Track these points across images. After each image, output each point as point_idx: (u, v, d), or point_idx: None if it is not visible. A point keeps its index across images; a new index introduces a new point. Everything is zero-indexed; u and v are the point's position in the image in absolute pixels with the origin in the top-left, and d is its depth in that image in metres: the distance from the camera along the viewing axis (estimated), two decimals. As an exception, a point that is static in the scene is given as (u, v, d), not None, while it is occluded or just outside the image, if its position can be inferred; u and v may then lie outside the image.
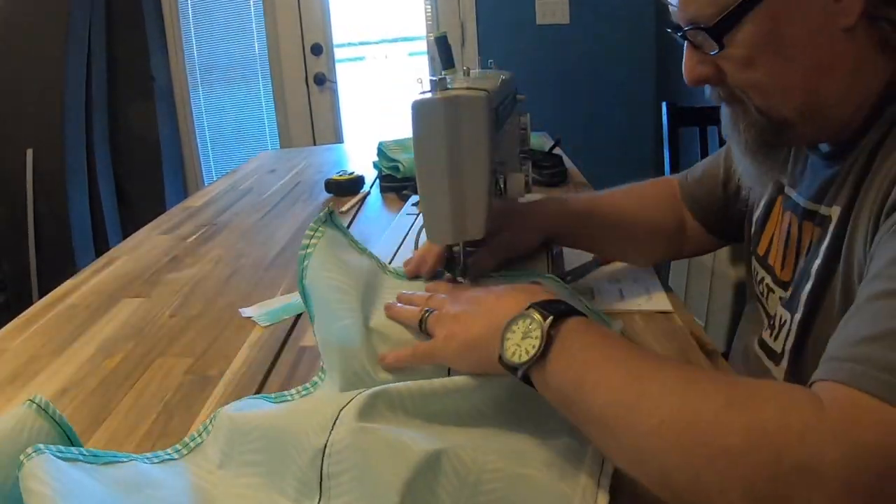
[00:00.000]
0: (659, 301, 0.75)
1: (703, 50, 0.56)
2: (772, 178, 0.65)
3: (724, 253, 0.92)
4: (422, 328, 0.56)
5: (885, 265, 0.42)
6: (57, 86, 2.45)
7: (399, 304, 0.60)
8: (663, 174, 1.65)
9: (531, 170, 0.99)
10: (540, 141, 1.53)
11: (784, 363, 0.59)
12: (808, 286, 0.56)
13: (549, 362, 0.45)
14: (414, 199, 1.15)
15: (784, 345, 0.60)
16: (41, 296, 0.92)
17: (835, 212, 0.55)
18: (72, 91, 2.49)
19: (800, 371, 0.58)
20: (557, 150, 1.41)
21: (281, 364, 0.70)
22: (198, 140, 3.04)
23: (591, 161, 1.99)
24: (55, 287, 0.95)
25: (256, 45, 2.96)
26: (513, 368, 0.46)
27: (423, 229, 0.63)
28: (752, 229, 0.72)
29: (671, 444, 0.38)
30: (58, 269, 2.44)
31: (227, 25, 2.95)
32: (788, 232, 0.63)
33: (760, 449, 0.35)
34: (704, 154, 1.67)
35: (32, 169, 2.47)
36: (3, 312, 2.44)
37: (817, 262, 0.55)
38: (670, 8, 0.57)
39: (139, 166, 2.83)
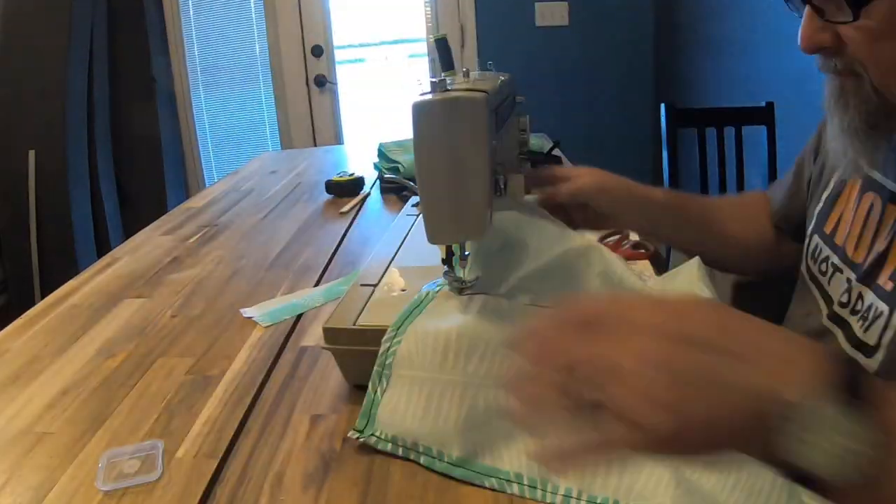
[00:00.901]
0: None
1: (826, 17, 0.54)
2: (864, 161, 0.62)
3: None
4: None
5: None
6: (59, 87, 2.45)
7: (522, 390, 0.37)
8: (662, 175, 1.66)
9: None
10: (539, 142, 1.54)
11: (880, 355, 0.59)
12: None
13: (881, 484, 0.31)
14: (414, 200, 1.16)
15: (880, 338, 0.59)
16: (43, 296, 0.92)
17: None
18: (74, 92, 2.50)
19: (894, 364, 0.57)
20: (557, 152, 1.41)
21: (282, 364, 0.71)
22: (199, 141, 3.05)
23: (590, 162, 1.99)
24: (57, 287, 0.96)
25: (257, 46, 2.96)
26: (809, 474, 0.31)
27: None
28: (819, 208, 0.71)
29: None
30: (60, 269, 2.45)
31: (228, 27, 2.96)
32: (868, 213, 0.63)
33: None
34: (703, 155, 1.67)
35: (34, 170, 2.48)
36: (5, 313, 2.44)
37: None
38: None
39: (141, 167, 2.84)
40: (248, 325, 0.80)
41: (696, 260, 0.74)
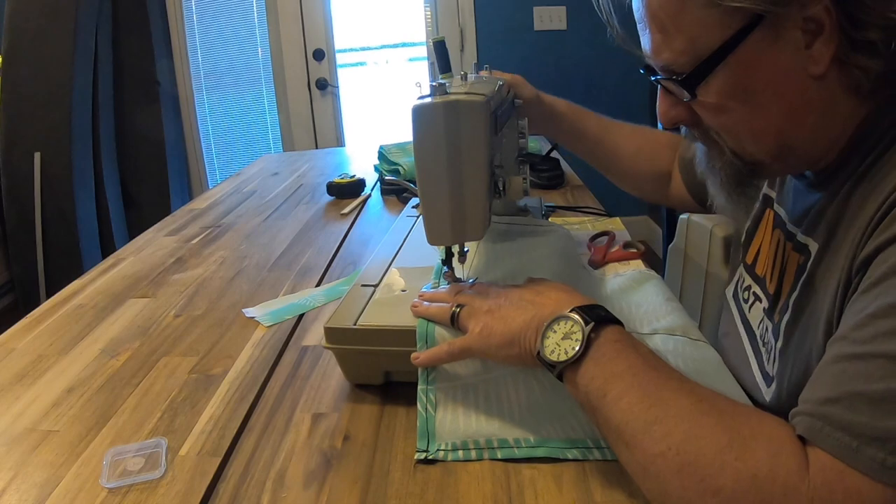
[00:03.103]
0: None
1: (675, 96, 0.56)
2: (747, 210, 0.69)
3: (718, 254, 0.93)
4: (454, 324, 0.58)
5: (851, 328, 0.43)
6: (64, 90, 2.47)
7: (425, 303, 0.61)
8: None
9: (529, 173, 1.00)
10: (538, 145, 1.55)
11: (773, 386, 0.60)
12: (787, 317, 0.57)
13: (582, 365, 0.49)
14: (414, 201, 1.16)
15: (773, 369, 0.60)
16: (49, 296, 0.93)
17: (813, 246, 0.55)
18: (79, 95, 2.52)
19: (780, 395, 0.58)
20: (555, 154, 1.42)
21: (284, 363, 0.72)
22: (202, 143, 3.07)
23: (588, 164, 2.00)
24: (62, 288, 0.97)
25: (260, 50, 2.98)
26: (550, 365, 0.50)
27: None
28: (743, 238, 0.73)
29: (673, 472, 0.42)
30: (65, 270, 2.46)
31: (231, 31, 2.97)
32: (777, 247, 0.64)
33: (747, 495, 0.40)
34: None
35: (40, 172, 2.50)
36: (11, 312, 2.46)
37: (795, 294, 0.56)
38: (644, 53, 0.58)
39: (145, 169, 2.85)
40: (251, 325, 0.81)
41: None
